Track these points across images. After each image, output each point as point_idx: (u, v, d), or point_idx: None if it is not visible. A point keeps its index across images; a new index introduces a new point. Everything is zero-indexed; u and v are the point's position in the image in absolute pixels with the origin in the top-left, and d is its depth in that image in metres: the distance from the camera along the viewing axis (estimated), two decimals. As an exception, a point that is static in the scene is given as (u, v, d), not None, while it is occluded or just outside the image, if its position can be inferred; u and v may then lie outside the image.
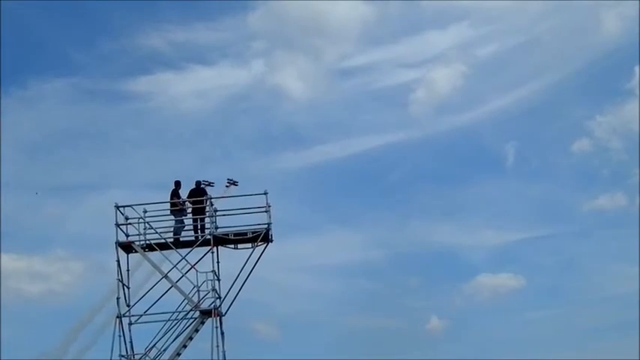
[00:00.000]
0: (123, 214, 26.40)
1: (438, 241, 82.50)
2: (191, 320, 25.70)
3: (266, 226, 26.02)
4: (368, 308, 74.58)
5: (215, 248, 26.08)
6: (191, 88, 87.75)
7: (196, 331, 25.61)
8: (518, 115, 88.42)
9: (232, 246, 26.33)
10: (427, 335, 73.86)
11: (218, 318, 25.64)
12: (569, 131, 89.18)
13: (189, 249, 26.31)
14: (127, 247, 26.32)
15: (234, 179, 58.80)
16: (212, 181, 58.24)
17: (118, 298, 25.92)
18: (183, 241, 26.83)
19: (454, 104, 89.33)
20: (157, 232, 26.53)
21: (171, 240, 26.62)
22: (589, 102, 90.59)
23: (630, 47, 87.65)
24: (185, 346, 25.32)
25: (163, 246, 26.35)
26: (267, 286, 59.57)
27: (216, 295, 25.81)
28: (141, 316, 25.87)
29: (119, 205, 26.33)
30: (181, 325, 25.65)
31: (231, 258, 26.45)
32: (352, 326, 72.99)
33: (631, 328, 68.72)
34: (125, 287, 26.12)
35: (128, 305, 25.99)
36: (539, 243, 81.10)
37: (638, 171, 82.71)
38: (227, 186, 58.26)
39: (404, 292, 78.04)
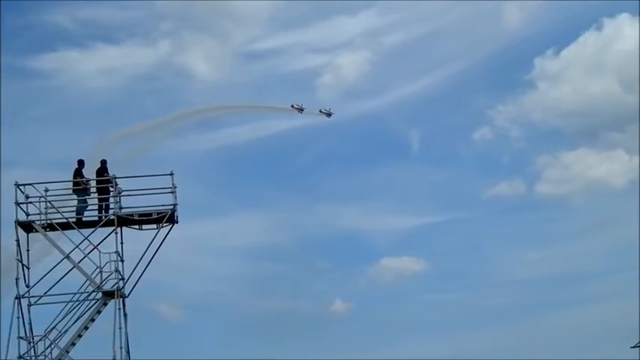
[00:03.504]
0: (23, 193, 25.75)
1: (344, 225, 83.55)
2: (93, 301, 25.32)
3: (172, 207, 25.84)
4: (273, 291, 75.04)
5: (119, 229, 25.75)
6: (97, 66, 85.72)
7: (98, 312, 25.25)
8: (423, 102, 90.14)
9: (137, 227, 26.08)
10: (331, 317, 74.82)
11: (121, 299, 25.40)
12: (472, 120, 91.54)
13: (92, 229, 25.87)
14: (28, 227, 25.70)
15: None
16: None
17: (17, 279, 25.32)
18: (86, 221, 26.35)
19: (361, 90, 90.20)
20: (58, 212, 25.99)
21: (74, 220, 26.11)
22: (491, 92, 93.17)
23: (531, 39, 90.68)
24: (87, 328, 24.96)
25: (66, 226, 25.82)
26: (172, 267, 59.12)
27: (120, 277, 25.53)
28: (40, 297, 25.36)
29: (19, 183, 25.68)
30: (83, 307, 25.26)
31: (135, 239, 26.21)
32: (257, 308, 73.30)
33: (531, 311, 71.50)
34: (25, 267, 25.52)
35: (27, 286, 25.44)
36: (442, 228, 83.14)
37: (536, 159, 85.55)
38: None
39: (309, 275, 78.81)
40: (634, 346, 59.33)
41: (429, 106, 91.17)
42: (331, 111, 66.26)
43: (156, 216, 25.81)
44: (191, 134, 76.65)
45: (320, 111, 66.00)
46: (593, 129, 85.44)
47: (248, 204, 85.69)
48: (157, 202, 26.07)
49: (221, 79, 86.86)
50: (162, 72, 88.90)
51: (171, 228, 25.81)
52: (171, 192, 25.87)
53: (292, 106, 64.21)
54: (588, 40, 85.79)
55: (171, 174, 25.79)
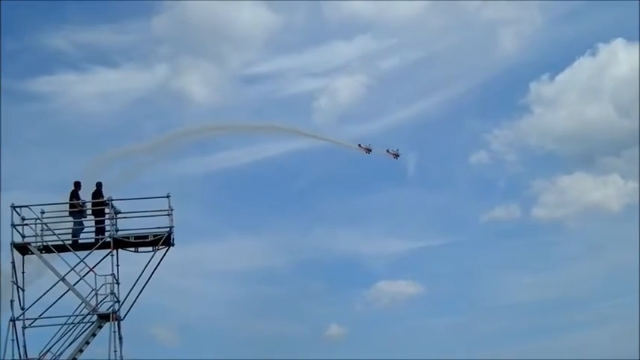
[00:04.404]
0: (19, 215, 25.74)
1: (340, 248, 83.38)
2: (88, 324, 25.22)
3: (168, 229, 25.81)
4: (269, 314, 74.68)
5: (115, 251, 25.70)
6: (94, 90, 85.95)
7: (93, 335, 25.13)
8: (419, 126, 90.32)
9: (133, 249, 26.02)
10: (326, 341, 74.46)
11: (116, 322, 25.32)
12: (468, 144, 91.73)
13: (88, 251, 25.82)
14: (23, 249, 25.65)
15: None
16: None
17: (12, 301, 25.22)
18: (82, 243, 26.32)
19: (357, 114, 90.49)
20: (54, 234, 25.96)
21: (70, 242, 26.08)
22: (487, 116, 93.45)
23: (526, 65, 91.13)
24: (81, 351, 24.81)
25: (61, 248, 25.78)
26: (168, 291, 58.87)
27: (115, 299, 25.44)
28: (35, 319, 25.25)
29: (15, 205, 25.66)
30: (78, 329, 25.15)
31: (131, 261, 26.15)
32: (252, 332, 72.88)
33: (527, 336, 71.28)
34: (20, 290, 25.43)
35: (22, 308, 25.33)
36: (438, 251, 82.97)
37: (532, 183, 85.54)
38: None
39: (305, 299, 78.51)
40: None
41: (425, 130, 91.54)
42: (398, 152, 66.51)
43: (152, 238, 25.76)
44: (188, 157, 76.87)
45: (387, 151, 66.07)
46: (589, 153, 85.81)
47: (244, 227, 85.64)
48: (154, 224, 26.03)
49: (218, 102, 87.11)
50: (160, 96, 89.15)
51: (167, 250, 25.78)
52: (168, 214, 25.84)
53: (359, 146, 64.49)
54: (583, 65, 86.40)
55: (168, 196, 25.79)
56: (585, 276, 75.37)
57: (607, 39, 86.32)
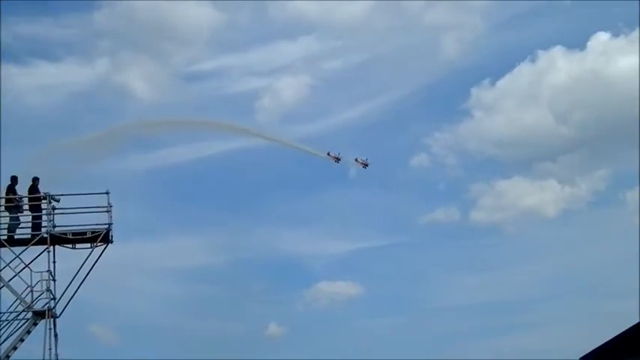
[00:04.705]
0: (-47, 210, 25.19)
1: (282, 248, 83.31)
2: (23, 321, 24.81)
3: (107, 226, 25.54)
4: (208, 313, 74.17)
5: (52, 247, 25.34)
6: (35, 83, 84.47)
7: (28, 332, 24.75)
8: (362, 128, 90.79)
9: (70, 246, 25.68)
10: (266, 341, 74.34)
11: (52, 319, 24.94)
12: (409, 147, 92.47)
13: (24, 247, 25.39)
14: (-42, 244, 25.12)
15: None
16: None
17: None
18: (18, 239, 25.85)
19: (300, 114, 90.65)
20: (-11, 229, 25.49)
21: (5, 237, 25.59)
22: (428, 119, 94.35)
23: (468, 70, 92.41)
24: (15, 348, 24.40)
25: (-4, 243, 25.32)
26: (106, 288, 58.11)
27: (51, 296, 25.08)
28: (-32, 316, 24.77)
29: (-52, 199, 25.15)
30: (12, 327, 24.74)
31: (68, 258, 25.79)
32: (192, 331, 72.34)
33: (464, 338, 72.22)
34: (-48, 286, 24.91)
35: (-46, 305, 24.83)
36: (379, 252, 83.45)
37: (471, 187, 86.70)
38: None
39: (245, 298, 78.23)
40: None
41: (368, 132, 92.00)
42: (368, 161, 66.17)
43: (90, 235, 25.46)
44: (129, 153, 76.04)
45: (356, 160, 65.63)
46: (527, 159, 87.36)
47: (185, 225, 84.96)
48: (92, 221, 25.73)
49: (160, 99, 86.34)
50: (101, 90, 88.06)
51: (106, 247, 25.50)
52: (107, 211, 25.59)
53: (328, 154, 64.06)
54: (523, 71, 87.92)
55: (107, 193, 25.54)
56: (521, 279, 76.70)
57: (546, 46, 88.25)
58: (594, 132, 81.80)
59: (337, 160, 64.09)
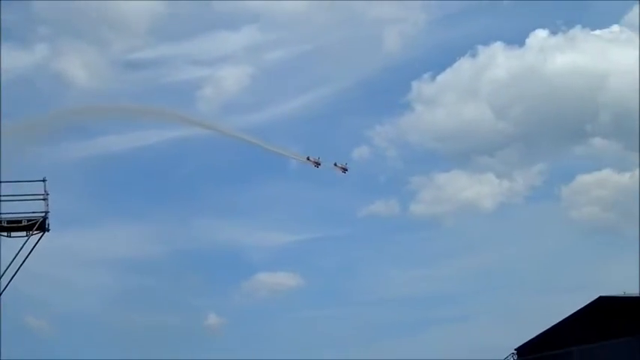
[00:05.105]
0: None
1: (221, 240, 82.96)
2: (-47, 311, 24.26)
3: (43, 214, 25.08)
4: (146, 304, 73.47)
5: (-15, 235, 24.80)
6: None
7: (-42, 322, 24.21)
8: (303, 120, 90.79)
9: (5, 234, 25.17)
10: (205, 332, 74.05)
11: (-15, 309, 24.43)
12: (350, 139, 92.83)
13: (-45, 235, 24.83)
14: None
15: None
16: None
17: None
18: (-51, 226, 25.24)
19: (242, 104, 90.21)
20: None
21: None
22: (369, 112, 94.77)
23: (409, 63, 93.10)
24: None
25: None
26: (41, 278, 57.08)
27: (-16, 286, 24.55)
28: None
29: None
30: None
31: (2, 247, 25.28)
32: (130, 322, 71.54)
33: (402, 329, 73.12)
34: None
35: None
36: (318, 244, 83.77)
37: (411, 179, 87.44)
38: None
39: (183, 289, 77.67)
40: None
41: (309, 123, 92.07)
42: (347, 166, 65.48)
43: (26, 223, 24.96)
44: (66, 141, 74.62)
45: (335, 164, 64.95)
46: (466, 152, 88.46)
47: (123, 216, 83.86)
48: (28, 209, 25.20)
49: (100, 87, 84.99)
50: (38, 76, 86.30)
51: (42, 236, 25.02)
52: (43, 199, 25.13)
53: (308, 159, 63.37)
54: (463, 66, 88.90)
55: (44, 180, 25.09)
56: (460, 272, 77.79)
57: (487, 42, 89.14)
58: (532, 127, 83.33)
59: (317, 164, 63.64)
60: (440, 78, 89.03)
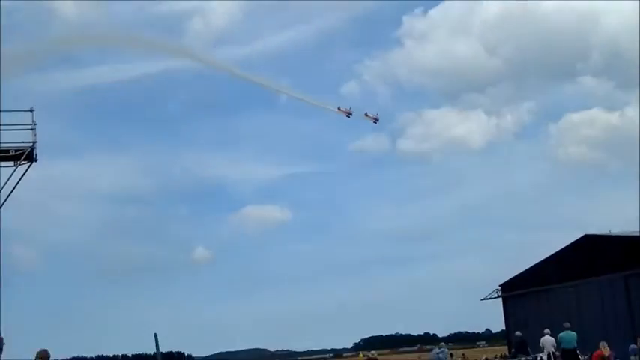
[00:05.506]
0: None
1: (208, 173, 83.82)
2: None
3: (31, 144, 24.87)
4: (134, 237, 74.14)
5: (-27, 165, 24.60)
6: None
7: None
8: (293, 53, 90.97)
9: (-7, 164, 24.98)
10: (193, 264, 75.00)
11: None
12: (340, 73, 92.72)
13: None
14: None
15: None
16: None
17: None
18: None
19: (231, 37, 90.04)
20: None
21: None
22: (359, 47, 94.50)
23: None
24: None
25: None
26: (29, 209, 57.32)
27: (-30, 216, 24.48)
28: None
29: None
30: None
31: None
32: (118, 253, 72.38)
33: (387, 264, 74.26)
34: None
35: None
36: (307, 179, 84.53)
37: (400, 115, 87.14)
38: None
39: (171, 222, 78.54)
40: (484, 299, 62.71)
41: (298, 57, 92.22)
42: (378, 116, 64.57)
43: (14, 153, 24.77)
44: (54, 72, 73.96)
45: (366, 114, 64.05)
46: (456, 89, 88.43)
47: (111, 148, 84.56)
48: (15, 139, 25.00)
49: (88, 18, 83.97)
50: (26, 7, 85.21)
51: (30, 166, 24.86)
52: (31, 129, 24.90)
53: (339, 109, 62.53)
54: (455, 1, 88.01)
55: (32, 110, 24.81)
56: (445, 207, 78.58)
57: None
58: (523, 65, 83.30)
59: (349, 114, 63.01)
60: (432, 13, 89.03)
